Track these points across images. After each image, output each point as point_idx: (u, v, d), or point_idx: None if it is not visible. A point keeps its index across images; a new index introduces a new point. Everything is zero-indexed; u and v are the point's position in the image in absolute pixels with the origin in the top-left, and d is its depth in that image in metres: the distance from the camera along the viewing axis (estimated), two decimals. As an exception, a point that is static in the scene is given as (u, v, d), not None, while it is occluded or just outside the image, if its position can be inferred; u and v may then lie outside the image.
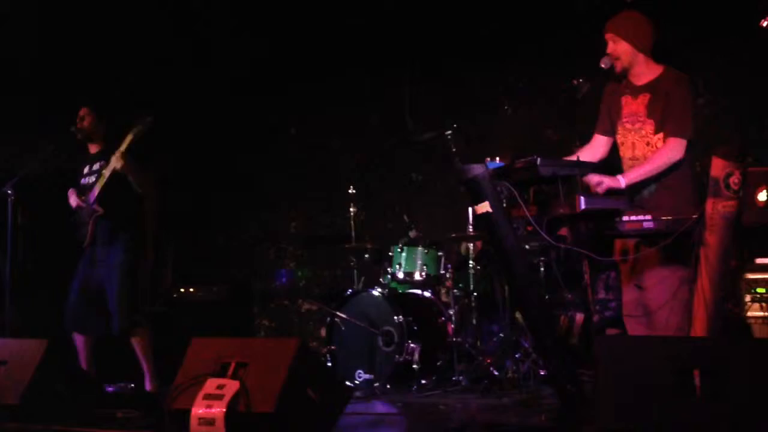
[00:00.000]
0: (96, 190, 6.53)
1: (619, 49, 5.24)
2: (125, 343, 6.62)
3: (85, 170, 6.76)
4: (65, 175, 6.81)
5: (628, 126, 5.34)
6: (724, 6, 6.62)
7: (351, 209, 7.45)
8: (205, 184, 9.14)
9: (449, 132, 6.79)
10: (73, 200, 6.66)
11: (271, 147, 9.25)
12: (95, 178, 6.60)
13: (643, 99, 5.26)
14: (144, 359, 6.61)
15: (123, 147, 6.39)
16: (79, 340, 6.65)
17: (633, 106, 5.31)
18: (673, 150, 5.14)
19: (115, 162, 6.39)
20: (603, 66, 5.24)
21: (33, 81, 8.08)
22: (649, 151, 5.23)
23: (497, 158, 5.14)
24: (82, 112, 6.72)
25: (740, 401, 3.74)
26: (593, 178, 5.07)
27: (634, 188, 5.22)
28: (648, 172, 5.14)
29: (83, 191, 6.66)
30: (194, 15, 8.48)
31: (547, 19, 7.58)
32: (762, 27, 3.85)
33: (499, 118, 8.06)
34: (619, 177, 5.11)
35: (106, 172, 6.47)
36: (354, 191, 7.48)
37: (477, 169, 4.84)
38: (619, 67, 5.28)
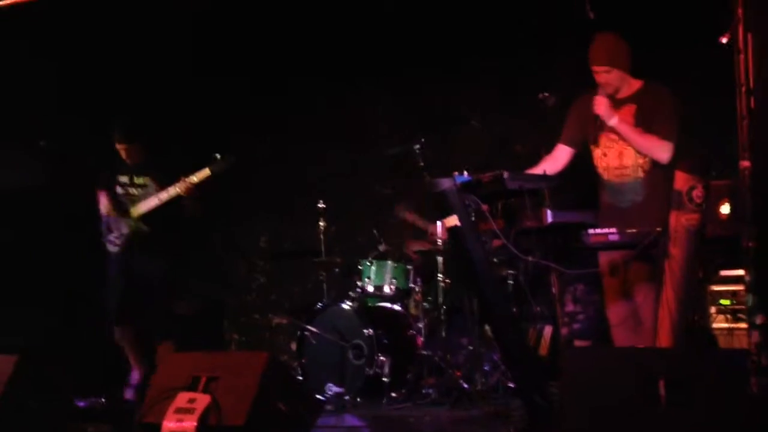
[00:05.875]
0: (143, 207, 6.71)
1: (612, 78, 5.28)
2: (95, 357, 6.63)
3: (123, 179, 6.86)
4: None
5: (613, 136, 5.33)
6: (689, 20, 6.70)
7: (321, 223, 7.47)
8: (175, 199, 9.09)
9: (417, 146, 6.84)
10: (104, 207, 6.77)
11: (241, 162, 9.23)
12: (138, 191, 6.75)
13: (629, 109, 5.28)
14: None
15: (196, 179, 6.49)
16: (128, 333, 6.74)
17: (619, 116, 5.30)
18: (662, 145, 5.19)
19: (180, 187, 6.56)
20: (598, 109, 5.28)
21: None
22: (640, 158, 5.27)
23: (465, 172, 5.15)
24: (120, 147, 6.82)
25: (705, 411, 3.79)
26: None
27: (622, 197, 5.28)
28: (633, 138, 5.21)
29: (120, 201, 6.81)
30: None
31: (515, 34, 7.63)
32: (721, 43, 3.91)
33: (467, 131, 8.10)
34: (615, 116, 5.21)
35: (164, 195, 6.63)
36: (324, 205, 7.50)
37: (445, 183, 4.87)
38: (610, 90, 5.30)
